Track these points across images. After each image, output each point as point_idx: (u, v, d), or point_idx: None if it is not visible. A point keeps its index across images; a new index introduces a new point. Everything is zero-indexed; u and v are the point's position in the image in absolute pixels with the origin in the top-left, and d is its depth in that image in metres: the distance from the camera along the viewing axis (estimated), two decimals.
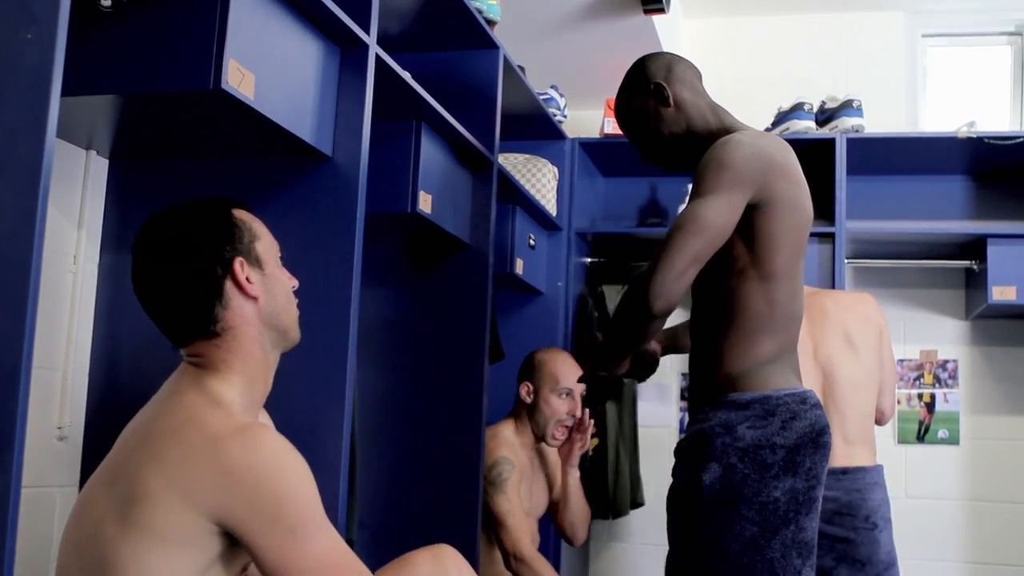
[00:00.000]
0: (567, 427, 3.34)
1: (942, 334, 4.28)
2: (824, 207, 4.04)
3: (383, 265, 3.10)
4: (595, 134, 4.27)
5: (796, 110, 3.94)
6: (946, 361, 4.25)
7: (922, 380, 4.23)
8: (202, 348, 1.75)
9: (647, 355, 2.66)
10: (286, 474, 1.62)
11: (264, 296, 1.79)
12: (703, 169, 2.27)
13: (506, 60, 3.23)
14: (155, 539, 1.56)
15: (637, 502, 4.16)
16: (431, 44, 3.17)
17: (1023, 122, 4.36)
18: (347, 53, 2.30)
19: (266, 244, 1.83)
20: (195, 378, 1.73)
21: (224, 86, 1.85)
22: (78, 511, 1.71)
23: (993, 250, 3.78)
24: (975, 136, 3.78)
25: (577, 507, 3.44)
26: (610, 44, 3.98)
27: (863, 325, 3.17)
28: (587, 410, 3.38)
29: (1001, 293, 3.75)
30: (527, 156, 3.84)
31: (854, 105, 3.89)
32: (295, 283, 1.88)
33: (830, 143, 3.91)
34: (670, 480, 2.36)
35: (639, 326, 2.23)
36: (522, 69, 3.62)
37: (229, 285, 1.75)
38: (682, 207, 2.51)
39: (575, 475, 3.44)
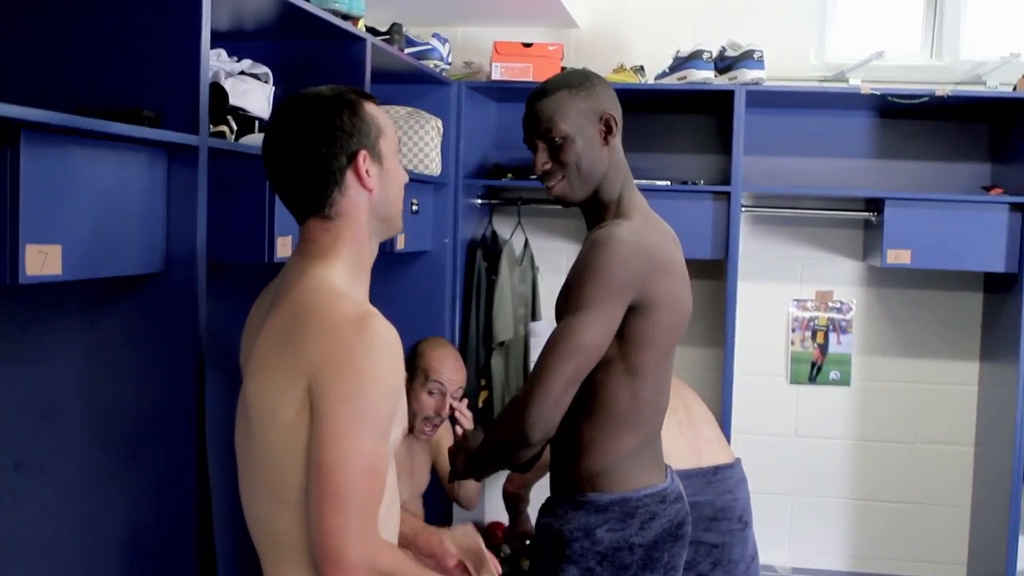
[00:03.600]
0: (435, 425, 3.27)
1: (839, 275, 4.24)
2: (723, 143, 3.95)
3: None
4: (488, 46, 4.05)
5: (694, 59, 3.73)
6: (841, 303, 4.23)
7: (816, 321, 4.22)
8: (314, 229, 1.85)
9: None
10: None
11: (379, 189, 1.87)
12: (583, 273, 2.15)
13: (374, 46, 3.02)
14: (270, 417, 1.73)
15: None
16: (294, 35, 2.93)
17: (933, 50, 4.19)
18: (176, 157, 2.10)
19: (389, 140, 1.90)
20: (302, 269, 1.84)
21: (23, 280, 1.68)
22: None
23: (891, 212, 3.71)
24: (878, 93, 3.64)
25: (470, 487, 3.45)
26: None
27: None
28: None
29: (896, 256, 3.70)
30: (409, 110, 3.63)
31: (755, 56, 3.69)
32: (407, 178, 1.97)
33: (729, 93, 3.76)
34: None
35: (516, 453, 2.20)
36: (399, 27, 3.40)
37: (350, 175, 1.83)
38: None
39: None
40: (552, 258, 4.33)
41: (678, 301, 2.26)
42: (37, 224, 1.71)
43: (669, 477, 2.35)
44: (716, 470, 3.01)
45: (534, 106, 2.31)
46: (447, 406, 3.23)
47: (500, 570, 2.23)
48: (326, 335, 1.70)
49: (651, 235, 2.24)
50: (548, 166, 2.31)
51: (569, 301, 2.16)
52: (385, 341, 1.72)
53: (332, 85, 1.89)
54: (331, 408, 1.67)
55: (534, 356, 4.17)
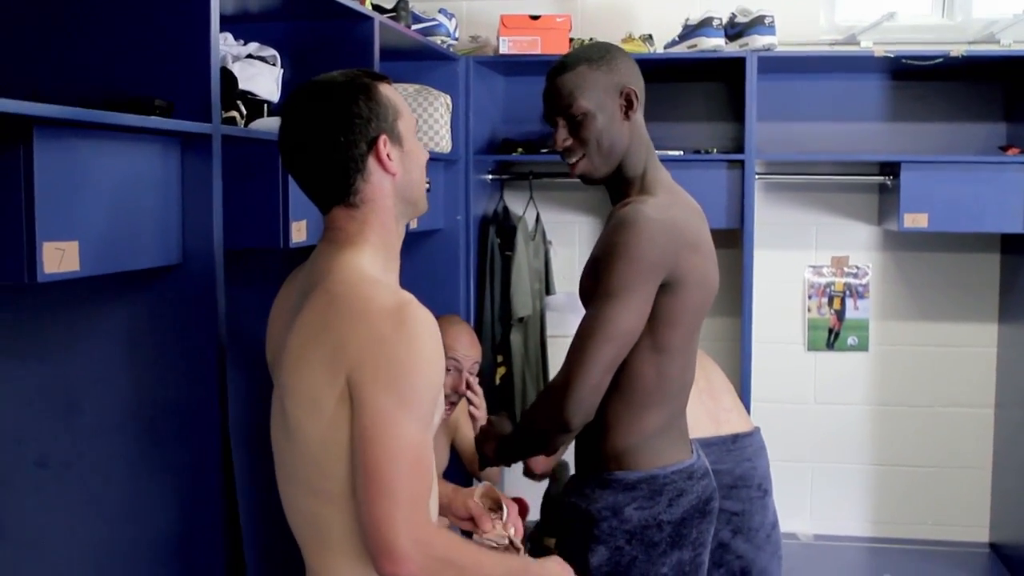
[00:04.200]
0: (452, 403, 3.25)
1: (854, 240, 4.20)
2: (735, 111, 3.91)
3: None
4: (494, 19, 4.01)
5: (704, 26, 3.69)
6: (857, 268, 4.19)
7: (833, 287, 4.19)
8: (340, 217, 1.82)
9: None
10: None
11: (401, 172, 1.83)
12: (612, 255, 2.10)
13: (381, 24, 2.98)
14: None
15: None
16: (301, 16, 2.89)
17: (945, 9, 4.13)
18: (189, 145, 2.08)
19: (407, 121, 1.86)
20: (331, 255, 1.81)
21: (41, 279, 1.66)
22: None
23: (907, 175, 3.67)
24: (892, 56, 3.59)
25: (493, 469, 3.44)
26: None
27: None
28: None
29: (913, 220, 3.67)
30: (417, 87, 3.59)
31: (766, 22, 3.65)
32: (427, 156, 1.94)
33: (740, 60, 3.71)
34: None
35: (554, 440, 2.19)
36: (405, 4, 3.36)
37: (372, 161, 1.79)
38: None
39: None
40: (565, 231, 4.31)
41: (705, 277, 2.23)
42: (53, 221, 1.69)
43: (695, 453, 2.33)
44: (735, 438, 3.00)
45: (554, 81, 2.26)
46: (464, 383, 3.21)
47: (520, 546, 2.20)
48: (366, 325, 1.67)
49: (678, 211, 2.20)
50: (569, 143, 2.26)
51: (600, 285, 2.12)
52: (424, 329, 1.70)
53: (344, 70, 1.85)
54: (374, 398, 1.65)
55: (550, 330, 4.19)
